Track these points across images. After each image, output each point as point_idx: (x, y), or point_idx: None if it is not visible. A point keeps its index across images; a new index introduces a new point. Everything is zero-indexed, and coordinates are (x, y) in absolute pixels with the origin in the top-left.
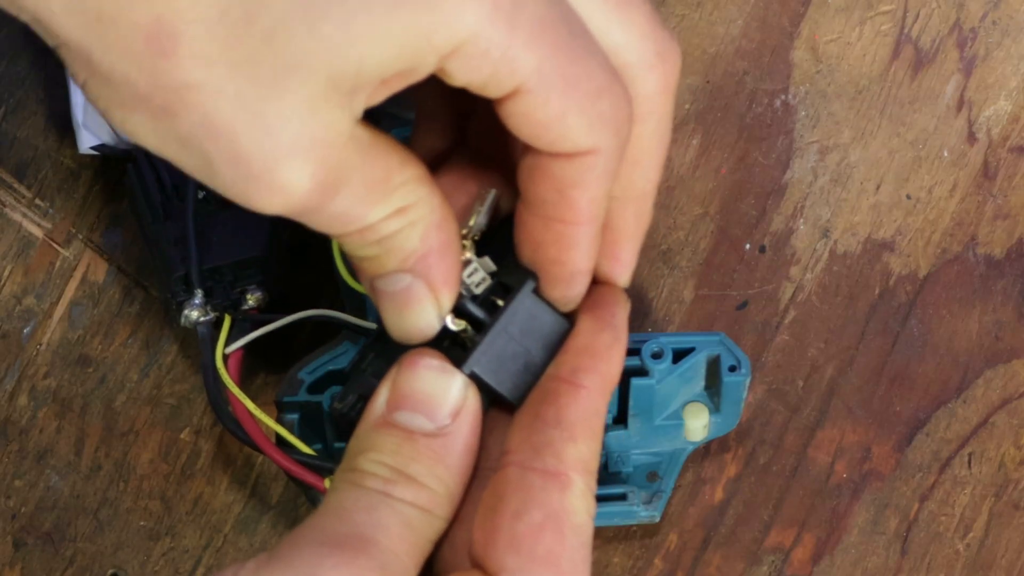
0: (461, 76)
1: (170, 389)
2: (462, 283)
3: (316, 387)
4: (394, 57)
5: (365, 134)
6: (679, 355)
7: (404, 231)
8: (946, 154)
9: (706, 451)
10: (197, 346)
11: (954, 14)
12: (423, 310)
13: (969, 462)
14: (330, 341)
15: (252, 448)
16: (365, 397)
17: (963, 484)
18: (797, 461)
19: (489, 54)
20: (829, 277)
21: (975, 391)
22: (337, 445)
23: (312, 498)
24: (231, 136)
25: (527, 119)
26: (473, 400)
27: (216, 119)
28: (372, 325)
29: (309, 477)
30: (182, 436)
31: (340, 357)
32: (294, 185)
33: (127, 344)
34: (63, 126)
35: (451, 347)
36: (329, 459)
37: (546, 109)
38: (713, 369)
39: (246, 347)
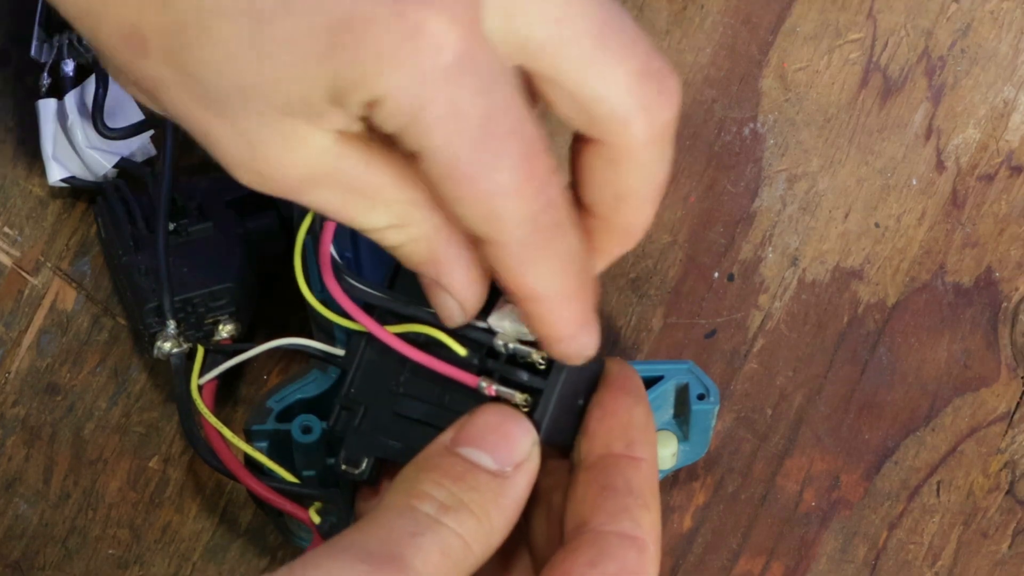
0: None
1: (139, 417)
2: (513, 352)
3: (285, 415)
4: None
5: (349, 152)
6: (648, 383)
7: (408, 245)
8: (915, 182)
9: (675, 479)
10: (166, 375)
11: (923, 42)
12: (447, 304)
13: (938, 490)
14: (298, 369)
15: (230, 478)
16: (384, 460)
17: (932, 512)
18: (766, 489)
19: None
20: (798, 305)
21: (944, 419)
22: (306, 473)
23: (281, 526)
24: (205, 133)
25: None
26: (535, 461)
27: (189, 118)
28: (341, 352)
29: (289, 506)
30: (151, 464)
31: (309, 385)
32: (272, 174)
33: (96, 372)
34: (32, 155)
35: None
36: (308, 488)
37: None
38: (682, 397)
39: (218, 376)
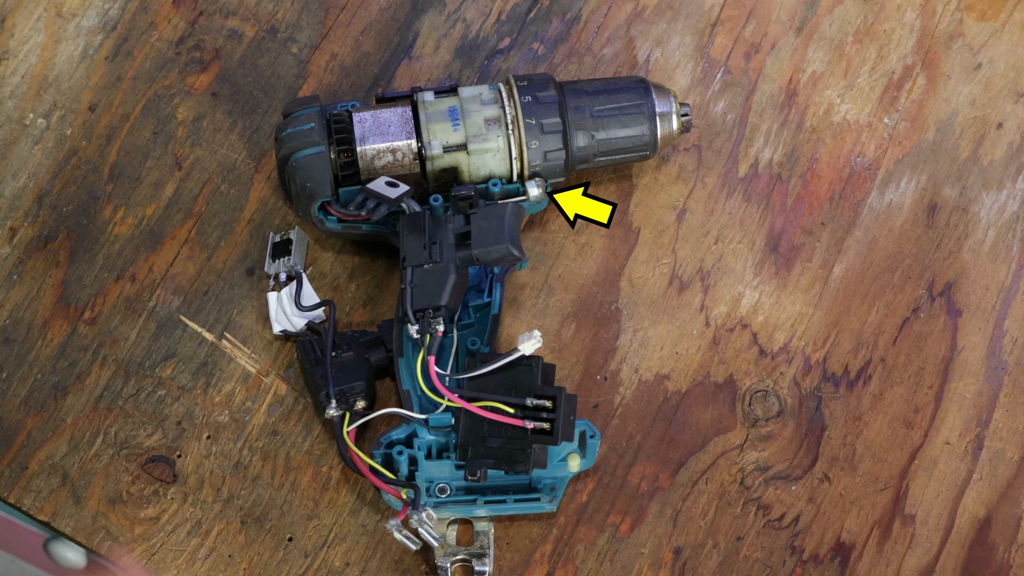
0: None
1: (319, 446)
2: (534, 406)
3: (389, 446)
4: None
5: None
6: None
7: None
8: (695, 332)
9: (578, 477)
10: (330, 427)
11: (697, 264)
12: None
13: (707, 482)
14: (395, 422)
15: (362, 476)
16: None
17: (702, 493)
18: (622, 482)
19: None
20: (638, 393)
21: (708, 446)
22: (401, 475)
23: (386, 500)
24: None
25: None
26: None
27: None
28: (420, 416)
29: (390, 490)
30: (323, 469)
31: (399, 431)
32: None
33: (296, 424)
34: (264, 319)
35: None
36: (400, 481)
37: None
38: (582, 438)
39: (356, 427)
